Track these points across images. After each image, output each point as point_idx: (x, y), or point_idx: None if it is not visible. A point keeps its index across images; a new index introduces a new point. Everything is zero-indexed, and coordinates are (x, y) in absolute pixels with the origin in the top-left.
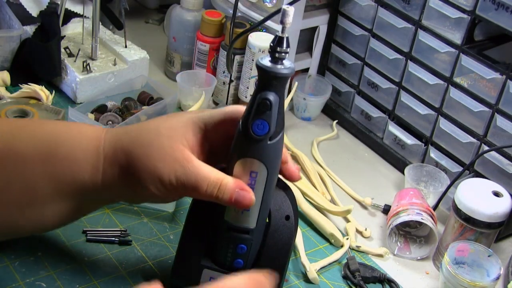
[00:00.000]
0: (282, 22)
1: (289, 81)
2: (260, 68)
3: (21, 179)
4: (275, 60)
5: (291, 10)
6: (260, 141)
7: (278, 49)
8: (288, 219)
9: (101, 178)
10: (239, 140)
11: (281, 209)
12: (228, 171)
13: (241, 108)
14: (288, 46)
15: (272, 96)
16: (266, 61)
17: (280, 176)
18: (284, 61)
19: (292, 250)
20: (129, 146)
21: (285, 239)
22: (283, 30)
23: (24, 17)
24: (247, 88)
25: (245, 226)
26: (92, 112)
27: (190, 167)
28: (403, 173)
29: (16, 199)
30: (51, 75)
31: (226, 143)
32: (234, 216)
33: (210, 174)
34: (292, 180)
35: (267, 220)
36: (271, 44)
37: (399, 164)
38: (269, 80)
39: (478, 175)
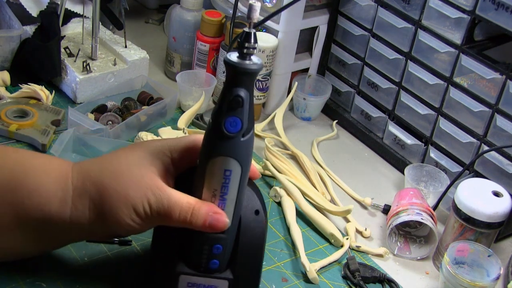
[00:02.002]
0: (249, 17)
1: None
2: (229, 64)
3: None
4: (243, 56)
5: (257, 5)
6: (232, 138)
7: (246, 44)
8: (257, 213)
9: (69, 212)
10: (211, 139)
11: (249, 205)
12: (199, 173)
13: (194, 137)
14: (256, 41)
15: (243, 93)
16: (234, 57)
17: None
18: (252, 57)
19: (265, 245)
20: (99, 177)
21: (257, 235)
22: (250, 26)
23: (24, 17)
24: None
25: None
26: (92, 112)
27: (161, 195)
28: (403, 173)
29: None
30: (51, 75)
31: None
32: None
33: (181, 200)
34: (253, 178)
35: None
36: (239, 40)
37: (399, 164)
38: (238, 76)
39: (478, 175)
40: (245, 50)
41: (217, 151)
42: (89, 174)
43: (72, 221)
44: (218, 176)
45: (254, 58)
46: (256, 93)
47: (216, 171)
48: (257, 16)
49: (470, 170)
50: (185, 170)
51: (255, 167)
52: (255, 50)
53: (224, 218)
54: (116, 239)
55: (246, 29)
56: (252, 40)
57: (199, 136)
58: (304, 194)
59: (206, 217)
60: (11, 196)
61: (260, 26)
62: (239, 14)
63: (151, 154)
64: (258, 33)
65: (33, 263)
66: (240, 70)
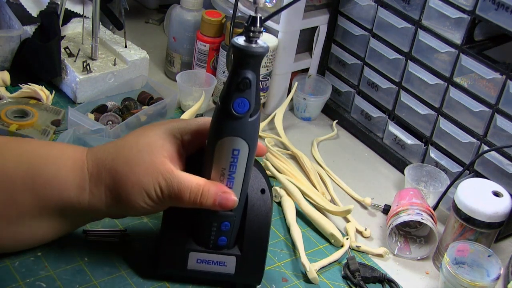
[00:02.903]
0: (255, 2)
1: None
2: (237, 48)
3: (6, 196)
4: (250, 39)
5: None
6: (241, 118)
7: (252, 28)
8: (263, 192)
9: (87, 198)
10: (220, 119)
11: (255, 184)
12: (208, 153)
13: (203, 120)
14: (261, 25)
15: (250, 75)
16: (241, 41)
17: None
18: (258, 41)
19: (271, 222)
20: (112, 165)
21: (263, 212)
22: (256, 10)
23: (24, 17)
24: None
25: None
26: (92, 112)
27: (172, 178)
28: (403, 173)
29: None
30: (51, 75)
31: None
32: None
33: (191, 182)
34: (260, 154)
35: None
36: (245, 24)
37: (399, 164)
38: (246, 59)
39: (478, 175)
40: (251, 34)
41: (226, 131)
42: (103, 162)
43: (91, 206)
44: (226, 155)
45: (260, 42)
46: None
47: (225, 151)
48: (262, 1)
49: (470, 170)
50: (195, 151)
51: (261, 143)
52: (261, 34)
53: (232, 197)
54: (116, 239)
55: (252, 14)
56: (258, 24)
57: (208, 118)
58: (304, 194)
59: (216, 197)
60: (31, 183)
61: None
62: (239, 14)
63: (161, 138)
64: None
65: (33, 263)
66: (247, 53)
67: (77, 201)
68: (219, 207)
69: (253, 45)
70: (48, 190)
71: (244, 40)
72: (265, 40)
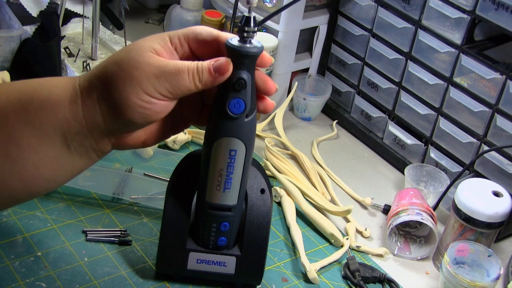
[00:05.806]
0: (248, 2)
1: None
2: (231, 49)
3: (2, 133)
4: (244, 39)
5: None
6: (237, 119)
7: (246, 28)
8: (263, 192)
9: (81, 111)
10: (216, 120)
11: (255, 184)
12: (205, 154)
13: (200, 28)
14: (255, 25)
15: (245, 75)
16: (235, 41)
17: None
18: (252, 41)
19: (270, 222)
20: (102, 71)
21: (263, 212)
22: (249, 10)
23: (24, 17)
24: None
25: (227, 204)
26: None
27: (167, 63)
28: (403, 173)
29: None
30: (51, 75)
31: (191, 58)
32: (216, 195)
33: (186, 62)
34: (266, 64)
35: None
36: (239, 25)
37: (399, 164)
38: (240, 59)
39: (478, 175)
40: (245, 34)
41: (222, 132)
42: (93, 73)
43: (87, 121)
44: (223, 156)
45: (255, 42)
46: None
47: (222, 152)
48: (256, 1)
49: (470, 170)
50: (186, 55)
51: (266, 54)
52: (255, 34)
53: (225, 60)
54: (116, 239)
55: (246, 14)
56: (252, 24)
57: (197, 26)
58: (304, 194)
59: (209, 66)
60: (24, 114)
61: (260, 26)
62: (239, 14)
63: (148, 40)
64: (258, 33)
65: (33, 263)
66: (241, 53)
67: (73, 117)
68: (218, 74)
69: (247, 45)
70: (43, 116)
71: (238, 40)
72: (265, 40)
